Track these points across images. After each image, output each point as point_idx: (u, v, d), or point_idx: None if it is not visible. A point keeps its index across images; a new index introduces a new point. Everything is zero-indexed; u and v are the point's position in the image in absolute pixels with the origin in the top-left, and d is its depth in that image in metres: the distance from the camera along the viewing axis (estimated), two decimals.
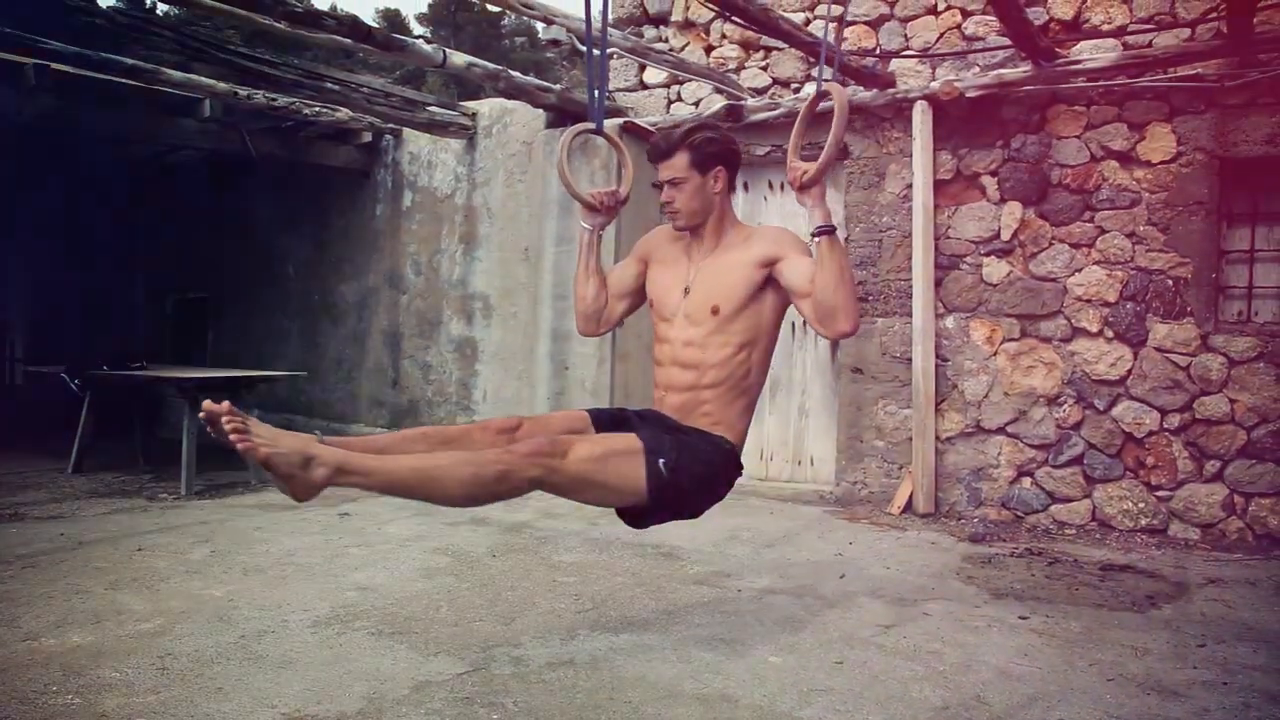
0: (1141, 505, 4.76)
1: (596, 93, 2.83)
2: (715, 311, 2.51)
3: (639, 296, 2.76)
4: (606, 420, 2.61)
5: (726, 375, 2.51)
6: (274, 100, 5.65)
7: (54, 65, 4.81)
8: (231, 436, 1.94)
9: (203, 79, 5.36)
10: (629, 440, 2.37)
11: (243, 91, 5.53)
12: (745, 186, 5.91)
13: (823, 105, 2.69)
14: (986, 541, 4.59)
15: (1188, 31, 4.70)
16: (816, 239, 2.37)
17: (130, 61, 4.92)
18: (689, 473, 2.39)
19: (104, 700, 2.39)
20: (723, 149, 2.60)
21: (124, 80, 5.05)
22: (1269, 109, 4.54)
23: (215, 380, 5.74)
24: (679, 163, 2.55)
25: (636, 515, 2.51)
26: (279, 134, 6.38)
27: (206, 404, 1.97)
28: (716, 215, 2.62)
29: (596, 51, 2.99)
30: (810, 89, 5.76)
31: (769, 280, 2.50)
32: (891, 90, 5.26)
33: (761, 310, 2.52)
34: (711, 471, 2.47)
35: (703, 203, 2.59)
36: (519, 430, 2.46)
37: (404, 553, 4.07)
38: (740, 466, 2.60)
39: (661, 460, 2.34)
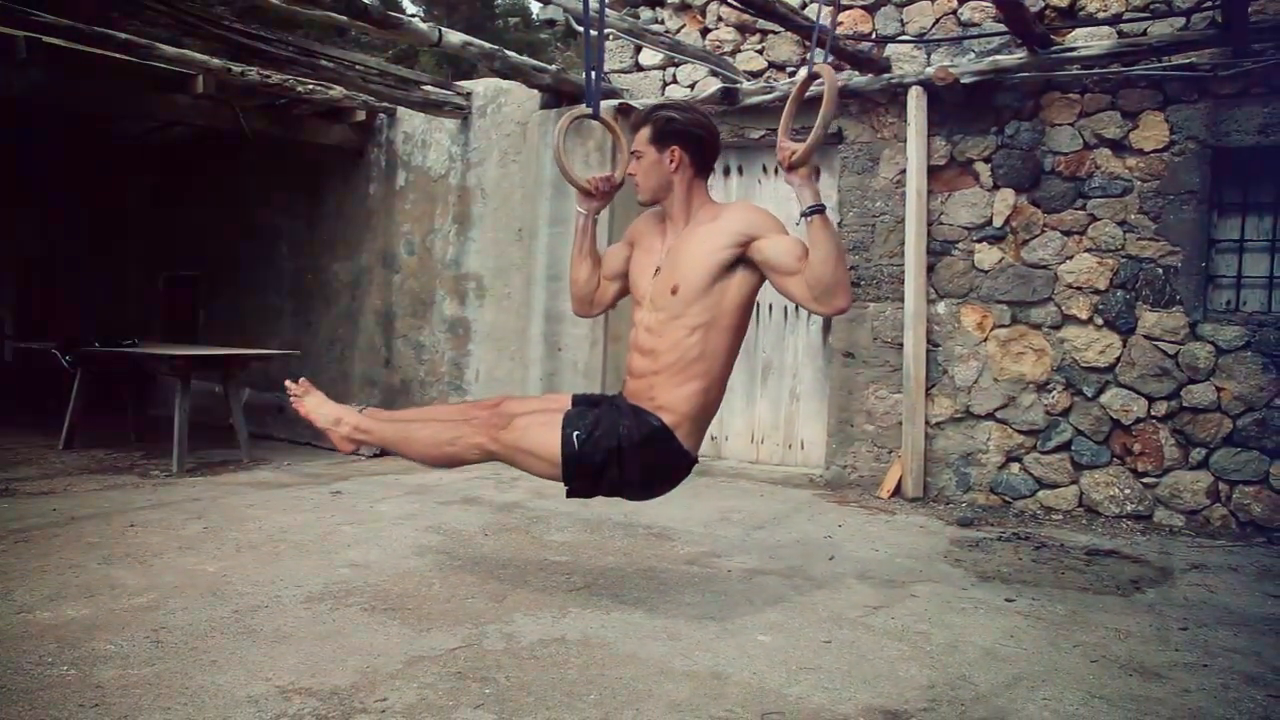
0: (1128, 491, 4.81)
1: (594, 72, 2.84)
2: (674, 292, 2.52)
3: (629, 279, 2.79)
4: (585, 405, 2.65)
5: (676, 358, 2.53)
6: (267, 77, 5.62)
7: (45, 38, 4.76)
8: (290, 398, 2.85)
9: (196, 54, 5.32)
10: (549, 416, 2.55)
11: (236, 68, 5.49)
12: (740, 170, 5.92)
13: (815, 88, 2.71)
14: (974, 526, 4.64)
15: (1182, 20, 4.71)
16: (808, 219, 2.40)
17: (123, 36, 4.87)
18: (602, 447, 2.49)
19: (99, 672, 2.41)
20: (682, 129, 2.62)
21: (116, 55, 5.01)
22: (1262, 99, 4.56)
23: (207, 358, 5.73)
24: (642, 136, 2.64)
25: (572, 488, 2.63)
26: (272, 111, 6.34)
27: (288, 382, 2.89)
28: (681, 195, 2.64)
29: (594, 33, 2.99)
30: (804, 72, 5.75)
31: (740, 260, 2.51)
32: (887, 75, 5.27)
33: (725, 290, 2.52)
34: (626, 446, 2.51)
35: (658, 179, 2.64)
36: (498, 407, 2.68)
37: (396, 531, 4.10)
38: (677, 445, 2.57)
39: (575, 433, 2.47)
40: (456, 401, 6.46)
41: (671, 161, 2.62)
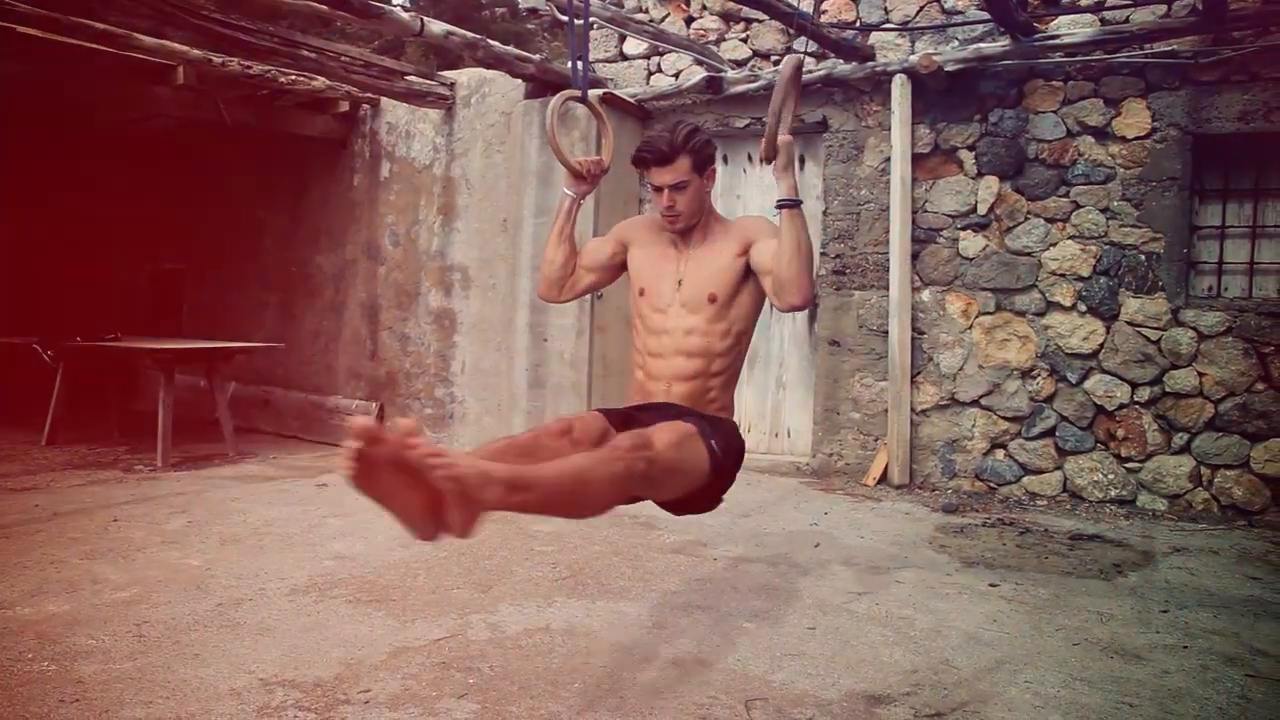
0: (1111, 477, 4.84)
1: (579, 61, 2.83)
2: (713, 300, 2.52)
3: (607, 274, 2.75)
4: (619, 419, 2.58)
5: (730, 363, 2.57)
6: (249, 68, 5.56)
7: (19, 28, 4.69)
8: (431, 462, 1.59)
9: (176, 45, 5.26)
10: (683, 425, 2.37)
11: (217, 58, 5.44)
12: (725, 159, 5.90)
13: (805, 76, 2.70)
14: (959, 512, 4.66)
15: (1164, 8, 4.72)
16: (778, 212, 2.39)
17: (100, 25, 4.81)
18: (728, 453, 2.41)
19: (80, 667, 2.40)
20: (713, 149, 2.63)
21: (94, 45, 4.95)
22: (1241, 86, 4.58)
23: (191, 351, 5.70)
24: (683, 166, 2.52)
25: (680, 503, 2.45)
26: (255, 103, 6.28)
27: (359, 424, 1.54)
28: (707, 209, 2.65)
29: (579, 22, 2.98)
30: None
31: (747, 267, 2.54)
32: (870, 63, 5.26)
33: (749, 298, 2.57)
34: (739, 451, 2.50)
35: (700, 203, 2.60)
36: (573, 433, 2.35)
37: (382, 522, 4.06)
38: None
39: (712, 441, 2.37)
40: (442, 393, 6.44)
41: (710, 181, 2.62)
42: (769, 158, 2.39)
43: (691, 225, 2.60)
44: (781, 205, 2.36)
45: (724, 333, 2.54)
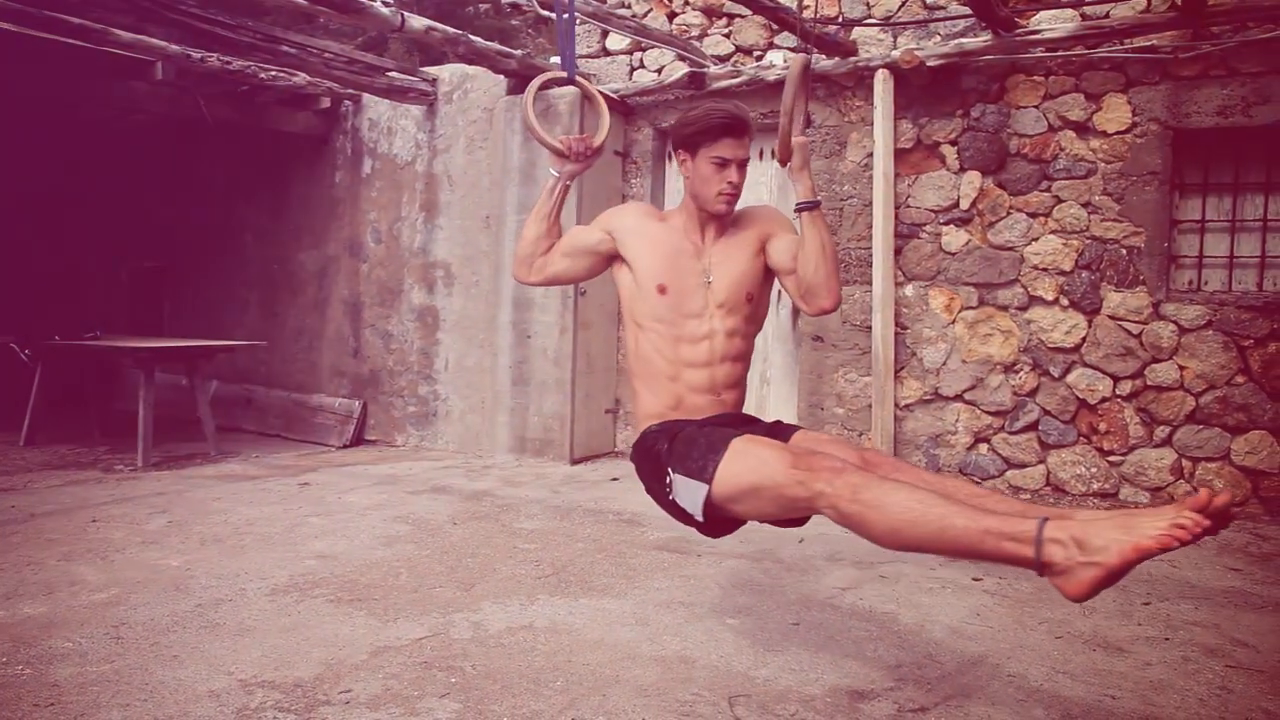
0: (1094, 470, 4.87)
1: (566, 55, 2.80)
2: (750, 299, 2.41)
3: (586, 262, 2.55)
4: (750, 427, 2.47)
5: (750, 365, 2.49)
6: (229, 63, 5.52)
7: None
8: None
9: (154, 40, 5.21)
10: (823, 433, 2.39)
11: (196, 54, 5.39)
12: None
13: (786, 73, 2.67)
14: None
15: (1144, 3, 4.74)
16: (798, 214, 2.30)
17: (77, 20, 4.76)
18: None
19: (56, 670, 2.37)
20: None
21: (70, 40, 4.89)
22: (1220, 81, 4.60)
23: (171, 350, 5.65)
24: (746, 143, 2.38)
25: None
26: (235, 98, 6.24)
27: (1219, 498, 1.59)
28: None
29: (565, 16, 2.95)
30: (772, 58, 5.75)
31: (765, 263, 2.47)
32: (853, 58, 5.26)
33: (767, 293, 2.49)
34: None
35: None
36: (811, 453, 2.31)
37: (364, 521, 4.06)
38: None
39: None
40: (427, 391, 6.41)
41: None
42: (785, 159, 2.29)
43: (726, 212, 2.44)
44: (802, 208, 2.26)
45: (754, 333, 2.46)
